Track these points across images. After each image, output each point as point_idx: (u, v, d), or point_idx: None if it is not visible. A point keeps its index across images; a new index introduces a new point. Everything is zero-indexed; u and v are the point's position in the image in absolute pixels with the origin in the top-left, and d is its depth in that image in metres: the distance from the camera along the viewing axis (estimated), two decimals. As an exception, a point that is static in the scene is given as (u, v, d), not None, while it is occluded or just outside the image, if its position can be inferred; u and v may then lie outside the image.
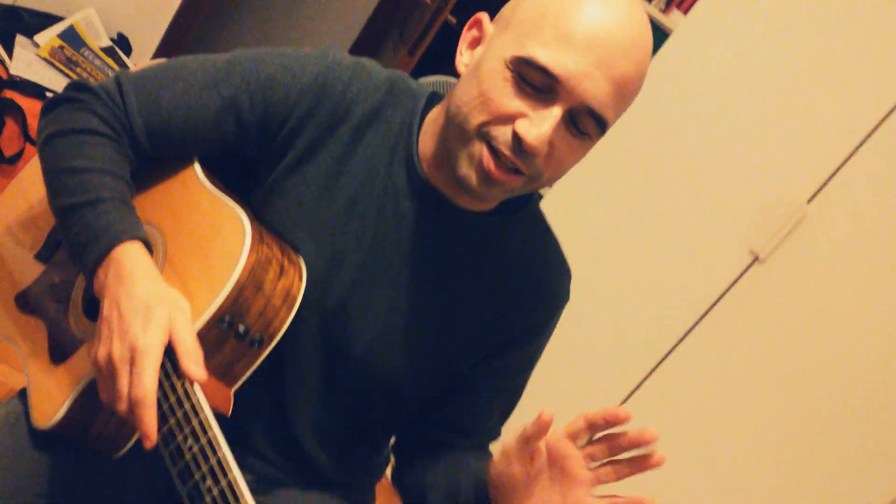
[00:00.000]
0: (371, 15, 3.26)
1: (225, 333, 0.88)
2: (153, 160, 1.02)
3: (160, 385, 0.80)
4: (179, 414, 0.79)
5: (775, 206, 1.90)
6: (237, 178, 1.03)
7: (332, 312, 0.99)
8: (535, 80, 0.84)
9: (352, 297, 0.99)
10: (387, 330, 1.00)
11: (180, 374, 0.81)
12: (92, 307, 0.98)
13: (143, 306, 0.82)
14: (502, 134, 0.86)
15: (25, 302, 1.06)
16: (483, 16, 0.93)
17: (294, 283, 0.95)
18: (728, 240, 1.97)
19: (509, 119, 0.85)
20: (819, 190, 1.88)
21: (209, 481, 0.75)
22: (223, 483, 0.74)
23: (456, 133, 0.90)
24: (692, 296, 2.00)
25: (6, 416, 1.01)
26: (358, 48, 3.31)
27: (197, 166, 1.02)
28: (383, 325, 1.00)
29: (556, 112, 0.84)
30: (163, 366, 0.81)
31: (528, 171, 0.88)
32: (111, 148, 0.96)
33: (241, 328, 0.89)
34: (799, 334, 1.92)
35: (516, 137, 0.85)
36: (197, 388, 0.81)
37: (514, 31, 0.86)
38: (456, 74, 1.01)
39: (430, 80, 1.45)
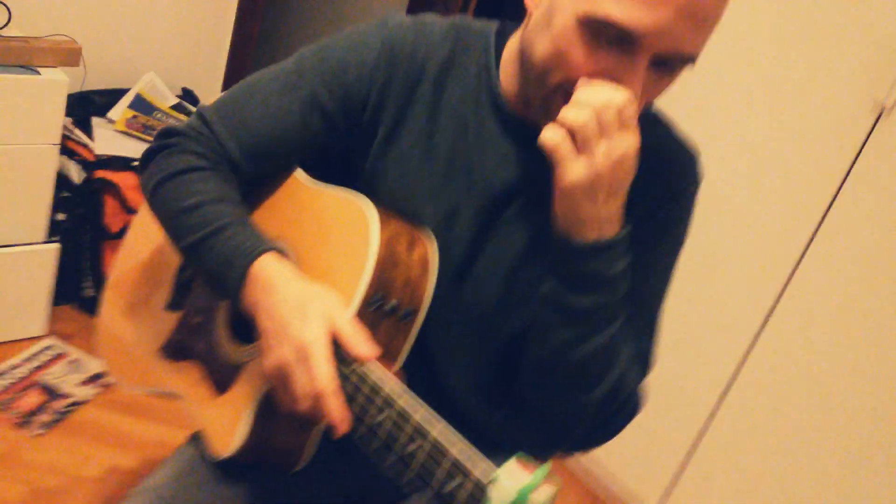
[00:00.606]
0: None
1: (377, 313, 0.89)
2: (256, 180, 1.04)
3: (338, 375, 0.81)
4: (364, 393, 0.80)
5: (887, 47, 1.77)
6: (337, 174, 1.02)
7: (460, 267, 0.98)
8: (612, 36, 0.78)
9: (474, 246, 0.98)
10: (516, 268, 0.97)
11: (351, 359, 0.82)
12: (239, 331, 1.00)
13: (296, 306, 0.84)
14: None
15: (172, 351, 1.09)
16: None
17: (426, 249, 0.95)
18: (847, 97, 1.84)
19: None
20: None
21: (414, 444, 0.75)
22: (430, 440, 0.74)
23: (535, 87, 0.87)
24: (827, 165, 1.88)
25: (184, 462, 1.04)
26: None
27: (298, 172, 1.04)
28: (512, 264, 0.97)
29: (640, 66, 0.79)
30: (333, 356, 0.82)
31: None
32: (216, 178, 0.98)
33: (391, 304, 0.90)
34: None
35: None
36: (372, 365, 0.81)
37: None
38: (517, 17, 0.96)
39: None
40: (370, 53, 0.96)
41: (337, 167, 1.03)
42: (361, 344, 0.82)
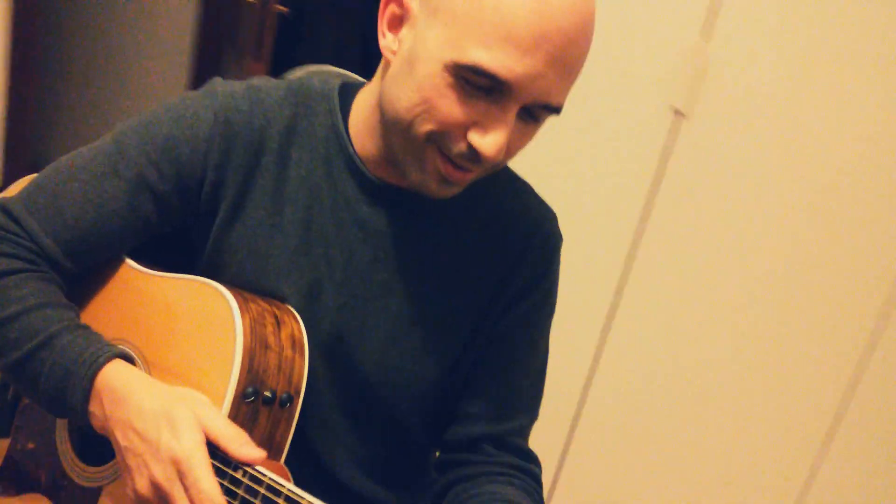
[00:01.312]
0: (196, 38, 3.02)
1: (254, 406, 0.80)
2: (82, 276, 0.91)
3: (222, 484, 0.73)
4: (261, 497, 0.72)
5: (676, 56, 1.86)
6: (170, 259, 0.92)
7: (330, 342, 0.92)
8: (481, 84, 0.75)
9: (344, 320, 0.92)
10: (390, 340, 0.93)
11: (236, 465, 0.74)
12: (88, 451, 0.88)
13: (160, 415, 0.74)
14: (456, 146, 0.79)
15: (8, 486, 0.95)
16: None
17: (294, 328, 0.87)
18: (645, 108, 1.92)
19: (460, 127, 0.78)
20: (709, 24, 1.84)
21: None
22: None
23: (401, 139, 0.82)
24: (634, 173, 1.96)
25: None
26: (196, 74, 3.07)
27: (129, 262, 0.92)
28: (385, 336, 0.93)
29: (510, 115, 0.77)
30: (213, 465, 0.73)
31: (486, 168, 0.83)
32: (34, 281, 0.85)
33: (268, 393, 0.81)
34: (745, 177, 1.88)
35: (472, 148, 0.78)
36: (260, 467, 0.74)
37: (446, 24, 0.76)
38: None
39: (299, 75, 1.33)
40: (202, 126, 0.87)
41: (170, 251, 0.92)
42: (245, 445, 0.74)
